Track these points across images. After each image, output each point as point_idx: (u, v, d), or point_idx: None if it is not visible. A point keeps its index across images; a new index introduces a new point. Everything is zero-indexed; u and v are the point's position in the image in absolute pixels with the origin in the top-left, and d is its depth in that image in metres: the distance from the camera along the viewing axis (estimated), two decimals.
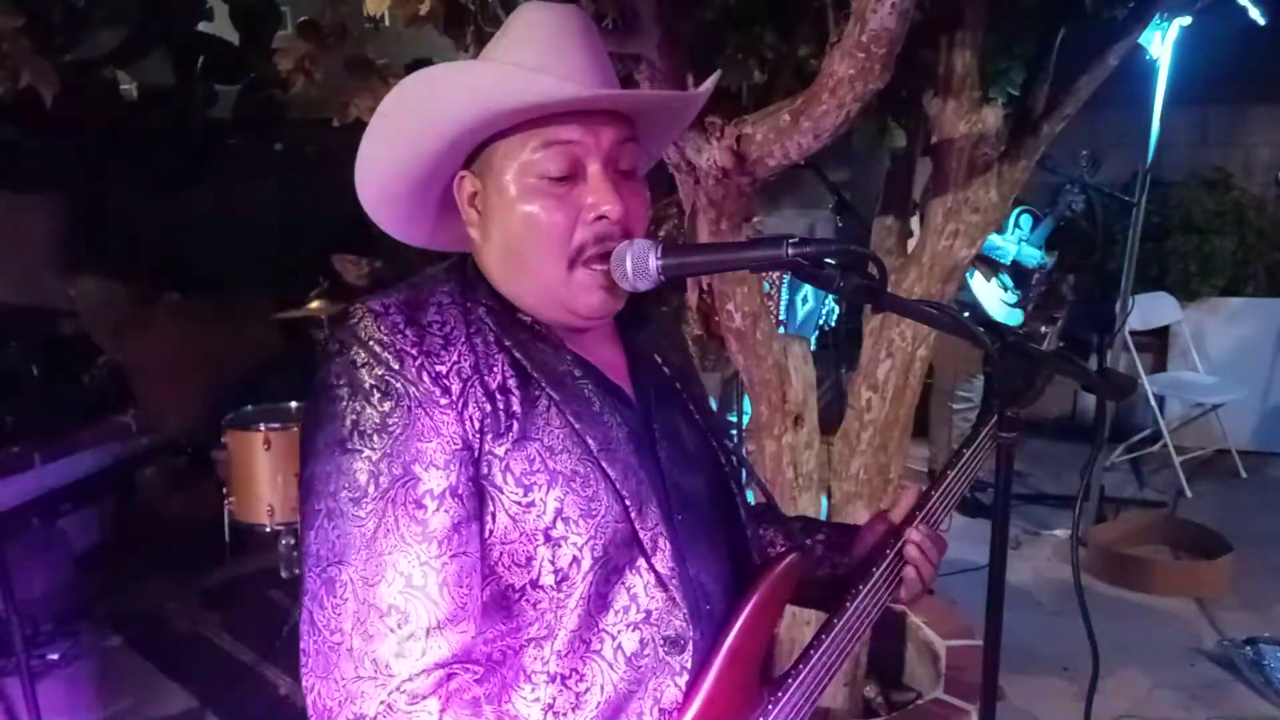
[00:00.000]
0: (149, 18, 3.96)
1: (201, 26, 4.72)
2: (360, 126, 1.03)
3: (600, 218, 0.95)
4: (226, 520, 3.64)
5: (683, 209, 2.07)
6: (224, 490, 3.61)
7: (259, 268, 4.94)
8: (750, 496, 1.19)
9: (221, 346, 4.86)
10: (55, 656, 3.34)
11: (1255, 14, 2.60)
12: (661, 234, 3.65)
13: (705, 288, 3.47)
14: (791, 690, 1.02)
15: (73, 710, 3.09)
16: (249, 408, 3.71)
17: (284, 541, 3.46)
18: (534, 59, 0.94)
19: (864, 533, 1.22)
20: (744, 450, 3.85)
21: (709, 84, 1.07)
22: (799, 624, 2.26)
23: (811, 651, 1.05)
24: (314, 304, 3.75)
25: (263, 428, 3.39)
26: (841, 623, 1.07)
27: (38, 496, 3.85)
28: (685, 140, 1.88)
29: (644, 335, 1.11)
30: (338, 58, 2.41)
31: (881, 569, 1.12)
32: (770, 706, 1.01)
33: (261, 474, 3.38)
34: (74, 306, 4.71)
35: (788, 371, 2.26)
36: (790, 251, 0.89)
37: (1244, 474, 4.94)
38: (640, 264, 0.94)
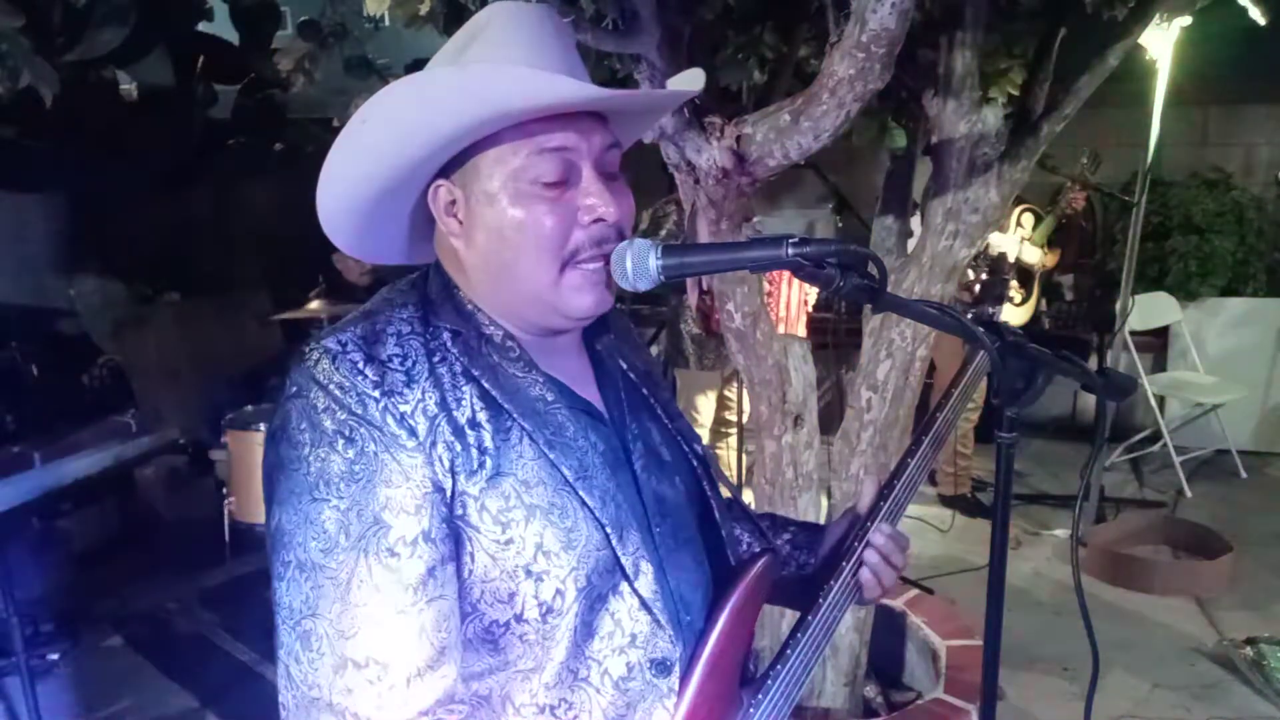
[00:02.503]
0: (149, 18, 3.96)
1: (201, 26, 4.72)
2: None
3: (597, 220, 0.94)
4: (226, 520, 3.64)
5: (683, 208, 2.07)
6: (224, 490, 3.61)
7: (259, 268, 4.95)
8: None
9: (221, 346, 4.86)
10: (55, 656, 3.34)
11: (1255, 14, 2.59)
12: (662, 234, 3.65)
13: (705, 288, 3.49)
14: (771, 692, 1.02)
15: (73, 710, 3.09)
16: (249, 408, 3.72)
17: None
18: (521, 60, 0.90)
19: (831, 529, 1.21)
20: (744, 450, 3.86)
21: (699, 81, 1.06)
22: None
23: (788, 652, 1.04)
24: (314, 304, 3.75)
25: (263, 428, 3.39)
26: (816, 620, 1.07)
27: (38, 496, 3.85)
28: (685, 140, 1.88)
29: (606, 340, 1.09)
30: (338, 58, 2.42)
31: (849, 567, 1.11)
32: (751, 710, 1.01)
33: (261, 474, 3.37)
34: (74, 306, 4.72)
35: (788, 371, 2.26)
36: (790, 251, 0.88)
37: (1244, 474, 4.93)
38: (640, 264, 0.93)
